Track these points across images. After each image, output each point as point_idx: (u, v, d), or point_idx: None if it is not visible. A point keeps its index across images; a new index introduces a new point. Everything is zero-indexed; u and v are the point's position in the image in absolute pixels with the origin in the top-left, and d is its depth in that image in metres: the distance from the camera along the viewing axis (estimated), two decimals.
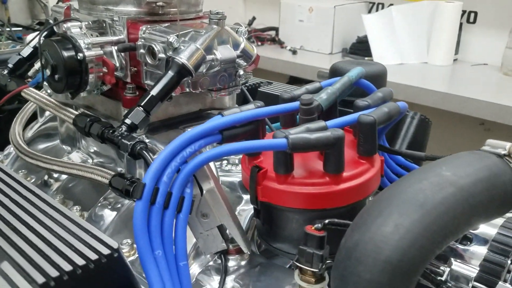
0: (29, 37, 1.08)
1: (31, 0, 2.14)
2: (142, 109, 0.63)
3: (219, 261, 0.61)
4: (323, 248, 0.47)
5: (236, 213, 0.67)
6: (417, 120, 0.87)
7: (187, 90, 0.68)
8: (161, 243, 0.49)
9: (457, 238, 0.56)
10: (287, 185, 0.52)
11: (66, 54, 0.67)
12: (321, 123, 0.53)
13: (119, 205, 0.72)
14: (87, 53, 0.67)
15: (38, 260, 0.39)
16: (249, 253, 0.60)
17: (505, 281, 0.52)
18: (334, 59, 2.24)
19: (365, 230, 0.42)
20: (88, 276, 0.39)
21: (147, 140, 0.69)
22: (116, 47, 0.70)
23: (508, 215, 0.57)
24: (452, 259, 0.57)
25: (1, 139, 0.95)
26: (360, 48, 2.21)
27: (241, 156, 0.69)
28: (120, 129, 0.63)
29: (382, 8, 2.37)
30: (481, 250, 0.56)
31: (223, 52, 0.68)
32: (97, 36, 0.72)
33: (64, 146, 0.89)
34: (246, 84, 1.02)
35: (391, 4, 2.27)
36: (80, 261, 0.39)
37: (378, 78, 0.77)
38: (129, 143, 0.61)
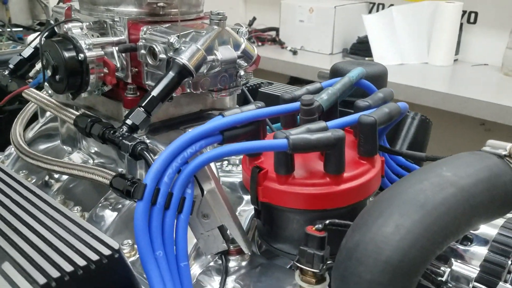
0: (30, 37, 1.08)
1: (32, 0, 2.14)
2: (143, 109, 0.63)
3: (220, 262, 0.61)
4: (324, 249, 0.47)
5: (237, 213, 0.67)
6: (417, 120, 0.88)
7: (188, 90, 0.68)
8: (162, 243, 0.49)
9: (457, 239, 0.56)
10: (287, 185, 0.52)
11: (67, 54, 0.67)
12: (322, 124, 0.53)
13: (120, 206, 0.72)
14: (88, 53, 0.68)
15: (39, 261, 0.40)
16: (249, 253, 0.60)
17: (505, 281, 0.53)
18: (334, 59, 2.24)
19: (366, 231, 0.42)
20: (89, 277, 0.39)
21: (148, 141, 0.69)
22: (117, 48, 0.70)
23: (509, 215, 0.57)
24: (452, 259, 0.57)
25: (2, 139, 0.95)
26: (361, 48, 2.21)
27: (241, 156, 0.69)
28: (121, 129, 0.63)
29: (383, 8, 2.37)
30: (481, 251, 0.56)
31: (223, 53, 0.68)
32: (98, 36, 0.72)
33: (64, 147, 0.89)
34: (247, 85, 1.02)
35: (392, 5, 2.27)
36: (81, 262, 0.39)
37: (379, 78, 0.77)
38: (130, 143, 0.61)
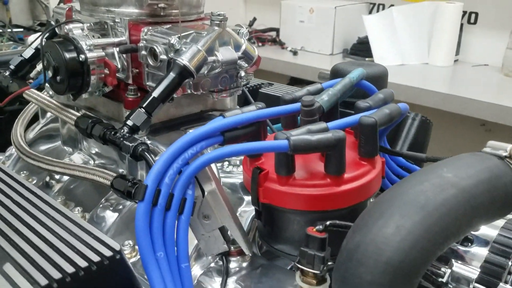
0: (30, 38, 1.08)
1: (32, 1, 2.14)
2: (143, 110, 0.63)
3: (221, 263, 0.61)
4: (325, 250, 0.47)
5: (238, 214, 0.67)
6: (418, 121, 0.88)
7: (189, 91, 0.68)
8: (163, 244, 0.49)
9: (458, 240, 0.56)
10: (288, 186, 0.52)
11: (68, 55, 0.67)
12: (322, 125, 0.54)
13: (120, 207, 0.72)
14: (89, 54, 0.68)
15: (40, 262, 0.40)
16: (250, 254, 0.60)
17: (506, 282, 0.53)
18: (334, 59, 2.24)
19: (367, 232, 0.42)
20: (90, 278, 0.39)
21: (148, 142, 0.69)
22: (117, 49, 0.70)
23: (509, 216, 0.57)
24: (453, 260, 0.57)
25: (3, 140, 0.95)
26: (361, 49, 2.21)
27: (242, 157, 0.70)
28: (122, 130, 0.63)
29: (383, 8, 2.37)
30: (482, 252, 0.56)
31: (224, 54, 0.68)
32: (98, 37, 0.72)
33: (65, 148, 0.89)
34: (247, 85, 1.02)
35: (392, 5, 2.27)
36: (83, 263, 0.39)
37: (379, 79, 0.77)
38: (131, 144, 0.61)
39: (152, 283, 0.47)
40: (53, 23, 0.85)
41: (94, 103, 0.80)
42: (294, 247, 0.55)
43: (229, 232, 0.58)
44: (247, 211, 0.70)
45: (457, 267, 0.56)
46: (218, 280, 0.60)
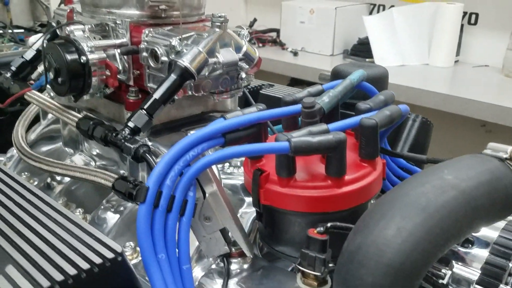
0: (31, 39, 1.08)
1: (33, 2, 2.14)
2: (145, 112, 0.63)
3: (222, 264, 0.61)
4: (326, 252, 0.47)
5: (238, 215, 0.67)
6: (418, 122, 0.88)
7: (190, 93, 0.68)
8: (164, 246, 0.49)
9: (459, 242, 0.56)
10: (289, 188, 0.52)
11: (69, 57, 0.67)
12: (323, 126, 0.54)
13: (122, 208, 0.72)
14: (90, 56, 0.68)
15: (42, 264, 0.40)
16: (251, 256, 0.60)
17: (506, 284, 0.53)
18: (335, 60, 2.24)
19: (368, 234, 0.42)
20: (92, 280, 0.39)
21: (149, 143, 0.69)
22: (119, 50, 0.71)
23: (510, 218, 0.57)
24: (453, 262, 0.57)
25: (4, 141, 0.95)
26: (361, 49, 2.21)
27: (243, 158, 0.70)
28: (123, 132, 0.63)
29: (383, 9, 2.37)
30: (482, 253, 0.56)
31: (225, 55, 0.68)
32: (100, 39, 0.72)
33: (66, 149, 0.90)
34: (248, 87, 1.02)
35: (392, 6, 2.27)
36: (85, 265, 0.39)
37: (380, 80, 0.77)
38: (132, 146, 0.61)
39: (154, 285, 0.47)
40: (54, 24, 0.85)
41: (95, 104, 0.81)
42: (295, 249, 0.55)
43: (230, 234, 0.58)
44: (248, 212, 0.70)
45: (458, 268, 0.56)
46: (219, 281, 0.60)
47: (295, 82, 2.31)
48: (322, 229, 0.48)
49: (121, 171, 0.77)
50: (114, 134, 0.65)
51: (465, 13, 2.09)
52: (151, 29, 0.70)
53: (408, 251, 0.40)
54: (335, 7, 2.23)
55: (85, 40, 0.69)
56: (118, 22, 0.72)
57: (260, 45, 2.46)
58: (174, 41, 0.65)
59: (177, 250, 0.51)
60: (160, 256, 0.48)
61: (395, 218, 0.42)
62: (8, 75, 0.88)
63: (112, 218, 0.71)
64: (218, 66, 0.68)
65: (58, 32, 0.79)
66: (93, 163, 0.84)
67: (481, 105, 1.66)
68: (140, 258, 0.64)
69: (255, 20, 2.70)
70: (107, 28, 0.73)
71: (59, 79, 0.69)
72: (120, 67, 0.71)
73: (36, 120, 0.95)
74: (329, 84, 0.69)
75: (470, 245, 0.58)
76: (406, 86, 1.81)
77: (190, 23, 0.76)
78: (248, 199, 0.71)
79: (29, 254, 0.41)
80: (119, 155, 0.77)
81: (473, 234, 0.57)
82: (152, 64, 0.68)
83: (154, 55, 0.68)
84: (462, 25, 2.06)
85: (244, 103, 0.89)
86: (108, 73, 0.70)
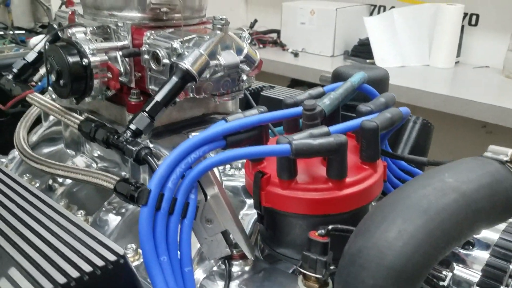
0: (32, 40, 1.09)
1: (34, 3, 2.14)
2: (146, 114, 0.64)
3: (223, 267, 0.61)
4: (327, 254, 0.47)
5: (239, 217, 0.68)
6: (419, 124, 0.88)
7: (191, 95, 0.68)
8: (166, 249, 0.49)
9: (460, 244, 0.56)
10: (290, 190, 0.52)
11: (71, 60, 0.67)
12: (324, 129, 0.54)
13: (123, 210, 0.72)
14: (92, 58, 0.68)
15: (45, 267, 0.40)
16: (252, 258, 0.61)
17: (507, 286, 0.53)
18: (335, 61, 2.24)
19: (369, 236, 0.42)
20: (95, 283, 0.39)
21: (151, 145, 0.70)
22: (120, 53, 0.71)
23: (511, 220, 0.57)
24: (454, 263, 0.57)
25: (4, 141, 0.95)
26: (362, 50, 2.21)
27: (244, 160, 0.70)
28: (125, 134, 0.63)
29: (384, 10, 2.37)
30: (483, 255, 0.56)
31: (226, 58, 0.69)
32: (101, 41, 0.72)
33: (68, 150, 0.90)
34: (249, 89, 1.02)
35: (393, 7, 2.27)
36: (87, 268, 0.40)
37: (380, 82, 0.77)
38: (134, 149, 0.62)
39: (156, 287, 0.47)
40: (55, 26, 0.85)
41: (96, 106, 0.81)
42: (296, 251, 0.55)
43: (231, 236, 0.59)
44: (249, 214, 0.70)
45: (458, 270, 0.56)
46: (220, 284, 0.60)
47: (296, 83, 2.31)
48: (323, 231, 0.48)
49: (123, 173, 0.78)
50: (116, 137, 0.65)
51: (465, 14, 2.10)
52: (153, 32, 0.70)
53: (410, 253, 0.40)
54: (336, 8, 2.23)
55: (87, 43, 0.69)
56: (119, 24, 0.72)
57: (261, 46, 2.47)
58: (176, 44, 0.65)
59: (178, 252, 0.51)
60: (162, 259, 0.49)
61: (396, 221, 0.42)
62: (10, 77, 0.88)
63: (113, 220, 0.72)
64: (220, 68, 0.68)
65: (60, 34, 0.79)
66: (94, 165, 0.84)
67: (481, 106, 1.66)
68: (141, 260, 0.64)
69: (255, 21, 2.70)
70: (108, 31, 0.73)
71: (61, 82, 0.70)
72: (122, 70, 0.72)
73: (37, 121, 0.95)
74: (330, 86, 0.69)
75: (470, 247, 0.58)
76: (407, 87, 1.81)
77: (191, 25, 0.76)
78: (249, 201, 0.71)
79: (32, 256, 0.41)
80: (121, 157, 0.77)
81: (474, 236, 0.57)
82: (153, 66, 0.69)
83: (156, 58, 0.68)
84: (462, 26, 2.06)
85: (245, 105, 0.89)
86: (109, 75, 0.70)
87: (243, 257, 0.61)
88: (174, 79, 0.64)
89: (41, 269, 0.40)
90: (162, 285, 0.47)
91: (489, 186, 0.46)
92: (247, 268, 0.61)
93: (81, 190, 0.82)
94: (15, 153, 0.93)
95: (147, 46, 0.69)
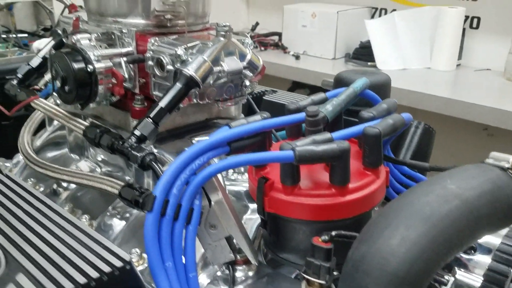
0: (35, 44, 1.09)
1: (37, 6, 2.15)
2: (151, 120, 0.64)
3: (227, 272, 0.62)
4: (330, 260, 0.48)
5: (242, 222, 0.68)
6: (421, 129, 0.88)
7: (195, 101, 0.69)
8: (171, 254, 0.50)
9: (462, 251, 0.56)
10: (293, 196, 0.53)
11: (76, 66, 0.68)
12: (327, 135, 0.54)
13: (127, 215, 0.73)
14: (96, 65, 0.69)
15: (53, 273, 0.40)
16: (256, 264, 0.61)
17: None
18: (337, 64, 2.25)
19: (372, 243, 0.43)
20: None
21: (155, 150, 0.70)
22: (125, 59, 0.71)
23: None
24: (456, 268, 0.57)
25: (8, 145, 0.96)
26: (363, 53, 2.21)
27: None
28: (130, 140, 0.64)
29: (385, 13, 2.38)
30: (485, 260, 0.56)
31: (229, 64, 0.69)
32: (106, 47, 0.73)
33: (72, 155, 0.90)
34: (251, 93, 1.03)
35: (394, 10, 2.27)
36: (94, 274, 0.40)
37: (382, 87, 0.78)
38: (139, 155, 0.62)
39: None
40: (59, 31, 0.86)
41: (101, 112, 0.81)
42: (300, 256, 0.55)
43: (235, 241, 0.59)
44: (252, 219, 0.70)
45: (461, 275, 0.57)
46: None
47: (297, 86, 2.31)
48: (326, 237, 0.49)
49: (127, 177, 0.78)
50: (120, 142, 0.66)
51: (467, 17, 2.10)
52: (157, 38, 0.70)
53: (413, 260, 0.41)
54: (337, 11, 2.24)
55: (91, 49, 0.70)
56: (124, 31, 0.72)
57: (262, 48, 2.47)
58: (180, 50, 0.66)
59: (183, 258, 0.52)
60: (167, 264, 0.49)
61: (399, 228, 0.43)
62: (15, 82, 0.89)
63: (118, 224, 0.72)
64: (223, 74, 0.69)
65: (65, 41, 0.80)
66: (98, 169, 0.84)
67: (483, 109, 1.66)
68: (146, 265, 0.65)
69: (257, 23, 2.71)
70: (113, 37, 0.74)
71: (66, 88, 0.70)
72: (126, 76, 0.72)
73: (41, 126, 0.96)
74: (332, 92, 0.69)
75: (473, 252, 0.58)
76: (408, 90, 1.82)
77: (195, 31, 0.77)
78: (252, 206, 0.72)
79: (39, 262, 0.42)
80: (125, 162, 0.78)
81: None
82: (157, 72, 0.69)
83: (160, 64, 0.69)
84: (464, 29, 2.06)
85: (247, 109, 0.89)
86: (114, 81, 0.71)
87: (246, 262, 0.62)
88: (178, 85, 0.65)
89: (48, 275, 0.40)
90: None
91: (491, 193, 0.47)
92: (250, 273, 0.62)
93: (86, 194, 0.83)
94: (19, 157, 0.94)
95: (151, 52, 0.70)
